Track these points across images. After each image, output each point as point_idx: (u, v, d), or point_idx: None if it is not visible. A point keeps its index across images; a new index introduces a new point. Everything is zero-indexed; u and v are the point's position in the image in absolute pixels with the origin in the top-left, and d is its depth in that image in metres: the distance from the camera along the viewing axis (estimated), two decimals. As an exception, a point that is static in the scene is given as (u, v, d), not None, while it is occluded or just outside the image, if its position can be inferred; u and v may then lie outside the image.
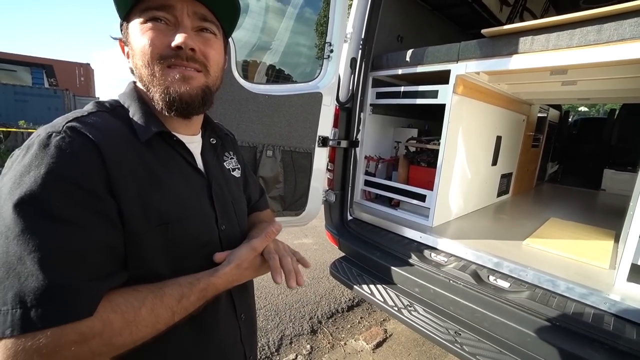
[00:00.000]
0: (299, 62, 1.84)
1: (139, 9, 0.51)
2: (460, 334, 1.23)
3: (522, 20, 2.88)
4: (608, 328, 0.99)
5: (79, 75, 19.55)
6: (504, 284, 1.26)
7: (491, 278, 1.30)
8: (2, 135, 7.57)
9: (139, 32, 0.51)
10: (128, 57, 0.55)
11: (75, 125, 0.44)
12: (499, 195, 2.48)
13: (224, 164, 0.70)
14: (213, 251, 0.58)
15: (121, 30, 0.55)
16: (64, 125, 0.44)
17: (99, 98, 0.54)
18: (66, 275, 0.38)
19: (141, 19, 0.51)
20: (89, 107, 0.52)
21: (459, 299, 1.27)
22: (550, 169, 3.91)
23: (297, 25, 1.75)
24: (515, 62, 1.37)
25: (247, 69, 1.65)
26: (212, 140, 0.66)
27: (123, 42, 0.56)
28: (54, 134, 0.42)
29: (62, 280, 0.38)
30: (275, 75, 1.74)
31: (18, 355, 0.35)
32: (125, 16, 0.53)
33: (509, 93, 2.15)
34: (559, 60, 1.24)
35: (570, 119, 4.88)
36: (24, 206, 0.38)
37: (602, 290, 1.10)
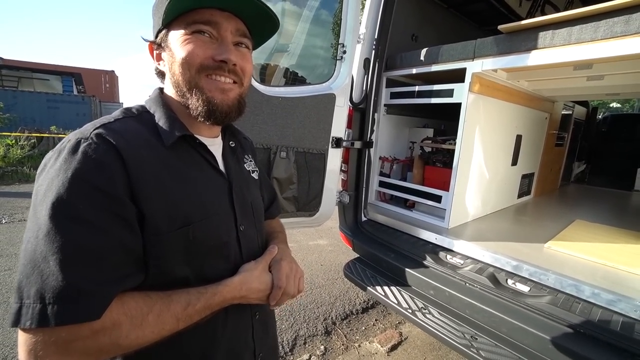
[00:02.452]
0: (317, 64, 1.85)
1: (185, 21, 0.54)
2: (476, 339, 1.20)
3: (543, 14, 2.77)
4: (639, 337, 0.94)
5: (105, 82, 20.50)
6: (524, 287, 1.21)
7: (509, 281, 1.26)
8: (35, 140, 8.04)
9: (184, 42, 0.54)
10: (158, 60, 0.59)
11: (101, 132, 0.47)
12: (519, 196, 2.39)
13: (244, 165, 0.72)
14: (231, 251, 0.60)
15: (156, 35, 0.57)
16: (91, 132, 0.47)
17: (123, 104, 0.57)
18: (82, 277, 0.41)
19: (187, 30, 0.54)
20: (116, 113, 0.55)
21: (475, 303, 1.24)
22: (576, 169, 3.73)
23: (313, 28, 1.77)
24: (535, 58, 1.32)
25: (265, 73, 1.69)
26: (232, 144, 0.69)
27: (155, 46, 0.59)
28: (82, 140, 0.45)
29: (78, 282, 0.41)
30: (293, 77, 1.77)
31: (36, 345, 0.39)
32: (167, 24, 0.55)
33: (529, 90, 2.07)
34: (583, 55, 1.18)
35: (599, 116, 4.63)
36: (53, 208, 0.41)
37: (633, 296, 1.04)
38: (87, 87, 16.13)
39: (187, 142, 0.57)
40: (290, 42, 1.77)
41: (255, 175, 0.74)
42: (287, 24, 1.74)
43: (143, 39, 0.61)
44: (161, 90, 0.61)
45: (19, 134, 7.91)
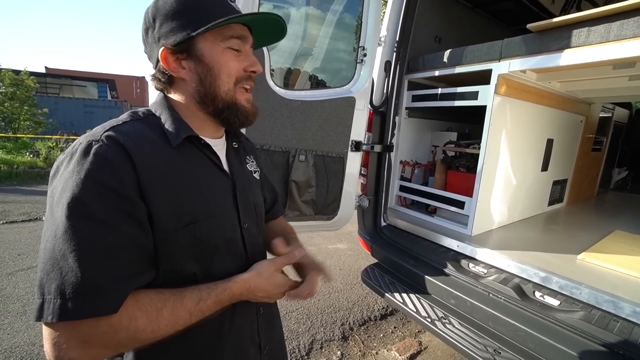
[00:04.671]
0: (337, 68, 1.86)
1: (222, 34, 0.56)
2: (500, 353, 1.13)
3: (579, 10, 2.61)
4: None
5: (135, 88, 21.67)
6: (553, 301, 1.14)
7: (537, 294, 1.19)
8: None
9: (222, 54, 0.57)
10: (175, 67, 0.56)
11: (111, 134, 0.49)
12: (550, 203, 2.26)
13: (247, 165, 0.73)
14: (236, 248, 0.62)
15: (179, 44, 0.55)
16: (102, 134, 0.48)
17: (124, 114, 0.58)
18: (99, 273, 0.43)
19: (223, 44, 0.57)
20: (123, 116, 0.56)
21: (499, 315, 1.17)
22: (616, 176, 3.46)
23: (336, 32, 1.77)
24: (568, 57, 1.25)
25: (289, 77, 1.71)
26: (235, 144, 0.70)
27: (172, 51, 0.55)
28: (94, 142, 0.47)
29: (95, 278, 0.43)
30: (315, 82, 1.78)
31: (60, 338, 0.42)
32: (198, 32, 0.54)
33: (561, 92, 1.95)
34: (625, 52, 1.10)
35: None
36: (69, 208, 0.43)
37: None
38: (119, 93, 17.16)
39: (193, 143, 0.58)
40: (314, 46, 1.78)
41: (257, 176, 0.75)
42: (310, 28, 1.76)
43: (163, 44, 0.60)
44: (165, 94, 0.61)
45: (59, 137, 8.52)
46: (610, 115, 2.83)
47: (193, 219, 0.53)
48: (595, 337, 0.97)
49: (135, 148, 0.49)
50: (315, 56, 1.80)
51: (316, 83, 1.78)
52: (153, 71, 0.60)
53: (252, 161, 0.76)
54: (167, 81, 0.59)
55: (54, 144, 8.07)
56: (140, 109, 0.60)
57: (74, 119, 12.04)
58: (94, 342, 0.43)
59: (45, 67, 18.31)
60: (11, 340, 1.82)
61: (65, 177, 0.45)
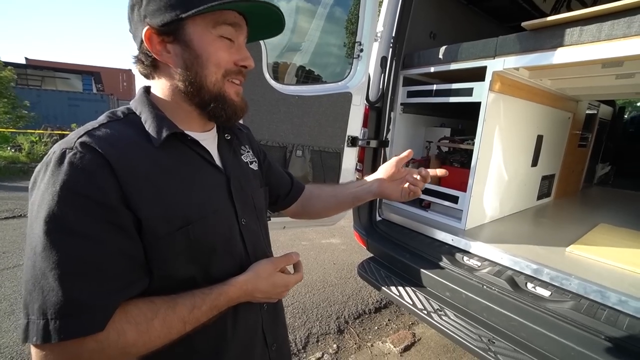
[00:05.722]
0: (329, 62, 1.85)
1: (214, 20, 0.52)
2: (494, 342, 1.17)
3: (569, 10, 2.66)
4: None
5: (122, 81, 21.07)
6: (544, 292, 1.18)
7: (529, 285, 1.23)
8: (58, 137, 8.35)
9: (212, 42, 0.53)
10: (159, 49, 0.52)
11: (85, 140, 0.45)
12: (539, 198, 2.32)
13: (242, 157, 0.70)
14: (235, 247, 0.59)
15: (166, 24, 0.50)
16: (75, 141, 0.45)
17: (101, 115, 0.54)
18: (82, 291, 0.41)
19: (214, 31, 0.52)
20: (101, 118, 0.52)
21: (493, 306, 1.21)
22: (600, 171, 3.58)
23: (327, 25, 1.76)
24: (561, 55, 1.28)
25: (277, 71, 1.70)
26: (227, 136, 0.67)
27: (157, 32, 0.51)
28: (67, 151, 0.44)
29: (78, 297, 0.41)
30: (305, 75, 1.77)
31: (47, 359, 0.40)
32: (188, 14, 0.49)
33: (552, 89, 2.00)
34: (614, 52, 1.13)
35: (626, 116, 4.43)
36: (46, 223, 0.41)
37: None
38: (105, 86, 16.63)
39: (179, 140, 0.55)
40: (304, 40, 1.77)
41: (254, 166, 0.71)
42: (301, 21, 1.74)
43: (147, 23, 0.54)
44: (146, 89, 0.58)
45: (42, 131, 8.23)
46: (595, 112, 2.92)
47: (186, 221, 0.51)
48: (584, 325, 1.02)
49: (113, 152, 0.46)
50: (307, 50, 1.79)
51: (311, 78, 1.77)
52: (137, 52, 0.55)
53: (248, 151, 0.72)
54: (150, 64, 0.54)
55: (37, 138, 7.80)
56: (120, 109, 0.55)
57: (58, 112, 11.63)
58: None
59: (26, 58, 17.58)
60: (0, 340, 1.77)
61: (42, 189, 0.43)
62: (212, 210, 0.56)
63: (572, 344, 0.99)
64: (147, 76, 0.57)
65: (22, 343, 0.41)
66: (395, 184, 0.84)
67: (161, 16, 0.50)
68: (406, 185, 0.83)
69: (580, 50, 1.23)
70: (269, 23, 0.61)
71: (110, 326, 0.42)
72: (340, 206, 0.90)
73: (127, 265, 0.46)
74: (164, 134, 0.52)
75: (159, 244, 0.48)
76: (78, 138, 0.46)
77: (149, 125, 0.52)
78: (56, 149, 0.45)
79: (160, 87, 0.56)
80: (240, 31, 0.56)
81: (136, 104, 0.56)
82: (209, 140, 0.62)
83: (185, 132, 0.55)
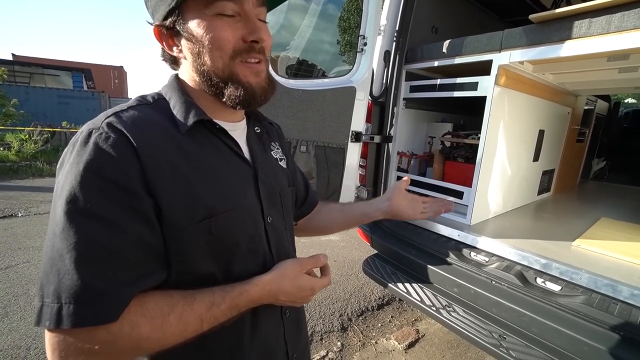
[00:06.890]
0: (323, 59, 1.81)
1: (204, 0, 0.48)
2: (505, 338, 1.16)
3: (569, 4, 2.67)
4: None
5: (114, 78, 20.71)
6: (554, 287, 1.17)
7: (539, 280, 1.22)
8: (48, 135, 8.16)
9: (209, 26, 0.48)
10: (170, 46, 0.52)
11: (112, 121, 0.44)
12: (539, 193, 2.33)
13: (271, 152, 0.67)
14: (259, 245, 0.56)
15: (165, 17, 0.49)
16: (102, 122, 0.44)
17: (131, 99, 0.53)
18: (98, 276, 0.39)
19: (208, 11, 0.48)
20: (131, 101, 0.51)
21: (502, 301, 1.20)
22: (595, 166, 3.62)
23: (320, 22, 1.73)
24: (568, 48, 1.26)
25: (275, 65, 1.66)
26: (257, 129, 0.64)
27: (163, 29, 0.51)
28: (94, 131, 0.43)
29: (93, 282, 0.39)
30: (296, 69, 1.74)
31: (59, 345, 0.39)
32: (182, 3, 0.47)
33: (554, 84, 2.00)
34: (623, 44, 1.12)
35: (620, 111, 4.49)
36: (67, 204, 0.39)
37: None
38: (96, 83, 16.32)
39: (206, 128, 0.52)
40: (295, 37, 1.74)
41: (283, 164, 0.69)
42: (295, 18, 1.71)
43: (148, 22, 0.54)
44: (177, 75, 0.56)
45: (32, 128, 8.04)
46: (593, 107, 2.94)
47: (209, 213, 0.48)
48: (597, 320, 1.01)
49: (139, 135, 0.44)
50: (302, 45, 1.75)
51: (296, 71, 1.73)
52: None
53: (278, 148, 0.70)
54: (169, 59, 0.55)
55: (27, 136, 7.62)
56: (150, 93, 0.55)
57: (48, 109, 11.38)
58: (94, 350, 0.39)
59: (13, 55, 17.15)
60: (-6, 343, 1.72)
61: (66, 169, 0.42)
62: (238, 203, 0.53)
63: (586, 339, 0.98)
64: (173, 70, 0.57)
65: (35, 325, 0.39)
66: (407, 202, 0.87)
67: (160, 10, 0.49)
68: (426, 206, 0.91)
69: (588, 43, 1.21)
70: None
71: (124, 318, 0.40)
72: (347, 222, 0.87)
73: (146, 254, 0.43)
74: (191, 120, 0.50)
75: (180, 236, 0.46)
76: (106, 118, 0.45)
77: (177, 111, 0.51)
78: (84, 128, 0.44)
79: (186, 79, 0.55)
80: (244, 1, 0.49)
81: (166, 90, 0.55)
82: (237, 131, 0.59)
83: (214, 120, 0.53)
